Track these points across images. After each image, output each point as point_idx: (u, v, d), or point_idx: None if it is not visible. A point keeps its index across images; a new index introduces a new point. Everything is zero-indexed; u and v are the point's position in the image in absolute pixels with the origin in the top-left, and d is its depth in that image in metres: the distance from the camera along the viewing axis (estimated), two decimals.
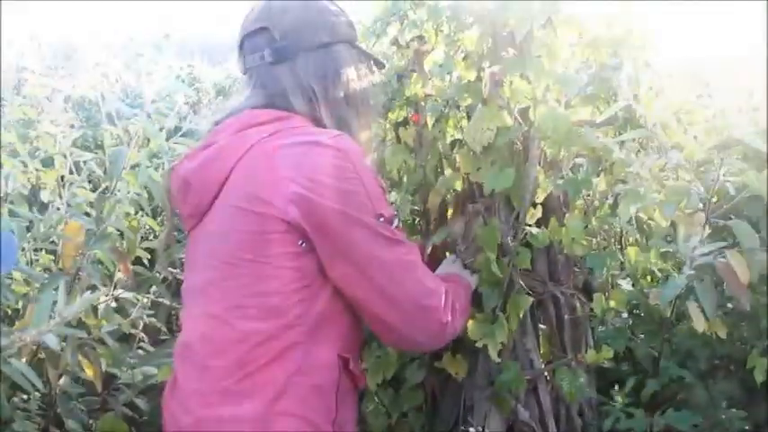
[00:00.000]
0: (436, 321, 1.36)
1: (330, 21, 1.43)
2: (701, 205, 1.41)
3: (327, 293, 1.30)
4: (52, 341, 1.15)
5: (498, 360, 1.66)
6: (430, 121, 1.85)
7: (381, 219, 1.29)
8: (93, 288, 1.99)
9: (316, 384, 1.28)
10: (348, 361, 1.33)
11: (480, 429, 1.70)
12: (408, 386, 1.88)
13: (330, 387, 1.30)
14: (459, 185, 1.79)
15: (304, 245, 1.26)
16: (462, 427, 1.74)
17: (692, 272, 1.32)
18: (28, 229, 1.86)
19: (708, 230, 1.35)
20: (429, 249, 1.83)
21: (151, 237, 2.23)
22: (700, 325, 1.38)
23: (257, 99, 1.40)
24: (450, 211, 1.85)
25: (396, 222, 1.32)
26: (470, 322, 1.64)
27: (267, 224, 1.25)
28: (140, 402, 2.13)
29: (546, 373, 1.73)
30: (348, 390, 1.36)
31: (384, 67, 1.55)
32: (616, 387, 1.62)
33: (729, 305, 1.61)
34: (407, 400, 1.90)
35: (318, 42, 1.41)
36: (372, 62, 1.51)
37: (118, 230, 2.02)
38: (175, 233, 1.77)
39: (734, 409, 1.61)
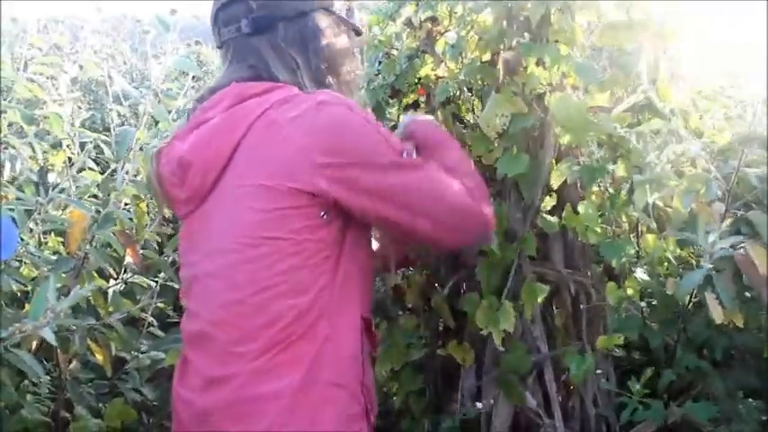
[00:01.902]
0: (479, 216, 1.35)
1: None
2: (719, 193, 1.39)
3: (345, 260, 1.30)
4: (49, 336, 1.13)
5: (502, 348, 1.65)
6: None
7: (405, 153, 1.31)
8: (99, 272, 1.98)
9: (344, 349, 1.29)
10: (370, 322, 1.37)
11: (487, 404, 1.70)
12: (409, 369, 1.89)
13: (356, 350, 1.32)
14: None
15: (325, 216, 1.26)
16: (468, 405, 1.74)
17: (711, 265, 1.30)
18: (32, 212, 1.84)
19: (728, 221, 1.32)
20: None
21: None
22: (717, 316, 1.36)
23: (242, 72, 1.37)
24: None
25: (414, 151, 1.35)
26: (477, 309, 1.64)
27: (291, 199, 1.24)
28: (149, 389, 2.12)
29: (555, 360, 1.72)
30: (368, 351, 1.37)
31: (361, 33, 1.52)
32: (632, 378, 1.60)
33: (747, 294, 1.59)
34: (407, 383, 1.90)
35: (296, 10, 1.37)
36: (350, 29, 1.47)
37: (128, 211, 2.00)
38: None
39: (750, 400, 1.60)
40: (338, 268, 1.29)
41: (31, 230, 1.90)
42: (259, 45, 1.37)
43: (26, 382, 1.84)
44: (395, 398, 1.95)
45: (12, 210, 1.73)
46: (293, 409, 1.22)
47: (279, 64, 1.36)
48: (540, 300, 1.65)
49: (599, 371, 1.73)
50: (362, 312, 1.34)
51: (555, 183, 1.65)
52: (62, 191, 1.89)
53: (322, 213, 1.26)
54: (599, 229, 1.60)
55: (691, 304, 1.61)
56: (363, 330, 1.34)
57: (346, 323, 1.30)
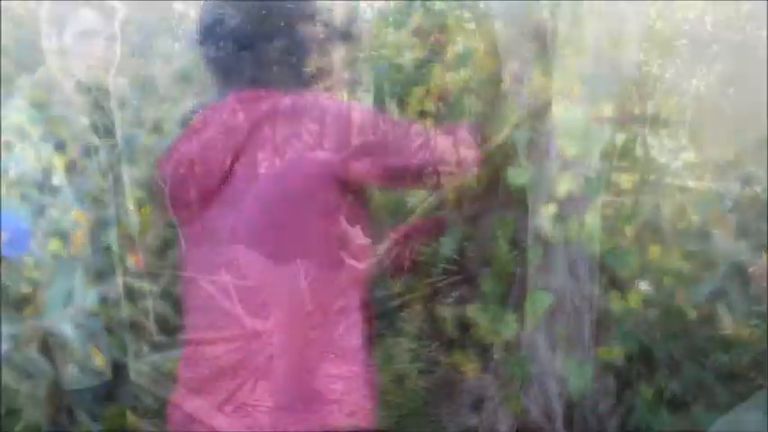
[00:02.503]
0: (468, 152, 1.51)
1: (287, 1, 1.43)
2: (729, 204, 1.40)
3: (345, 252, 1.34)
4: (68, 331, 1.13)
5: (504, 359, 1.65)
6: None
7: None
8: (103, 275, 1.98)
9: (349, 342, 1.34)
10: (368, 315, 1.42)
11: (489, 415, 1.70)
12: (409, 381, 1.89)
13: (358, 345, 1.37)
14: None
15: (331, 206, 1.31)
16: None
17: (726, 267, 1.31)
18: (37, 213, 1.84)
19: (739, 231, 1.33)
20: None
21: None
22: (728, 327, 1.36)
23: (234, 84, 1.41)
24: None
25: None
26: (480, 319, 1.64)
27: (300, 193, 1.28)
28: (148, 393, 2.12)
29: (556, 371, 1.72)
30: (367, 345, 1.42)
31: (350, 39, 1.54)
32: (635, 387, 1.60)
33: (754, 307, 1.59)
34: (407, 396, 1.90)
35: (279, 24, 1.40)
36: (338, 36, 1.50)
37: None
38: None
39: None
40: (340, 262, 1.33)
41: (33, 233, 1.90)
42: (244, 63, 1.40)
43: (24, 387, 1.83)
44: (394, 410, 1.94)
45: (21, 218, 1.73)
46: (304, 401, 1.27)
47: (267, 78, 1.40)
48: (543, 310, 1.65)
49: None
50: (360, 306, 1.39)
51: (560, 193, 1.65)
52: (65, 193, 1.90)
53: (329, 203, 1.30)
54: (604, 240, 1.60)
55: (695, 316, 1.60)
56: (361, 324, 1.38)
57: (348, 316, 1.35)
